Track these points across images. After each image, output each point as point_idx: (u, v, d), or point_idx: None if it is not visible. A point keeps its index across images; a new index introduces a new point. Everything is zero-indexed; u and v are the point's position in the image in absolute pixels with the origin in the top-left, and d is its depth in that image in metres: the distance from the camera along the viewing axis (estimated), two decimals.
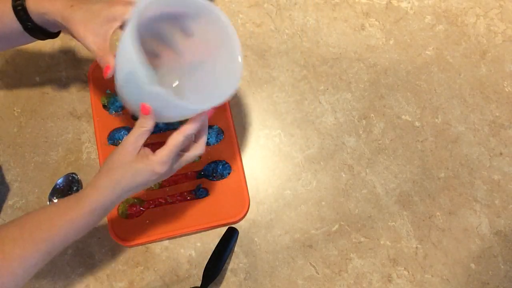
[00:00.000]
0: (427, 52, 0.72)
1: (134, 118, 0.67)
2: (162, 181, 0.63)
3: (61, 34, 0.72)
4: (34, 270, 0.47)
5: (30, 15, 0.51)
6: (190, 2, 0.49)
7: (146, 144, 0.62)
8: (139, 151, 0.48)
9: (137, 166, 0.47)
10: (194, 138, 0.51)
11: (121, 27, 0.51)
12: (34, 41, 0.56)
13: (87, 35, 0.50)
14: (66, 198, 0.48)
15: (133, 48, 0.43)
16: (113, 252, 0.61)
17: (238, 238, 0.61)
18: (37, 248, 0.46)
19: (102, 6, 0.50)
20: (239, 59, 0.50)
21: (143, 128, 0.48)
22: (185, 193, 0.63)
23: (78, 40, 0.51)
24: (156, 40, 0.56)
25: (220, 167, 0.64)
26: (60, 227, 0.46)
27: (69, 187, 0.64)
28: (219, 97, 0.48)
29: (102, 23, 0.50)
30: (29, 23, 0.52)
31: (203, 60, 0.55)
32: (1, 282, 0.44)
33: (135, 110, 0.48)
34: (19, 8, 0.51)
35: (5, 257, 0.45)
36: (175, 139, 0.48)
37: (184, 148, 0.50)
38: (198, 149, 0.51)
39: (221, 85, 0.52)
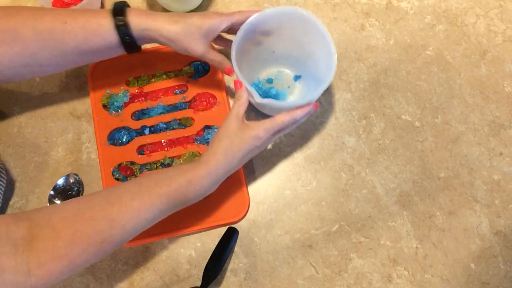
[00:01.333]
0: (427, 52, 0.72)
1: (134, 117, 0.67)
2: None
3: None
4: (142, 227, 0.50)
5: (131, 30, 0.55)
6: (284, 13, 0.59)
7: (145, 144, 0.63)
8: (242, 120, 0.55)
9: (243, 132, 0.54)
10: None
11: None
12: (120, 54, 0.59)
13: (196, 46, 0.57)
14: (184, 164, 0.54)
15: (239, 72, 0.56)
16: (113, 252, 0.61)
17: (238, 238, 0.61)
18: (152, 203, 0.49)
19: (199, 18, 0.56)
20: (334, 52, 0.58)
21: (240, 100, 0.55)
22: None
23: (184, 52, 0.58)
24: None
25: None
26: (179, 185, 0.51)
27: (69, 187, 0.64)
28: (321, 89, 0.56)
29: (207, 35, 0.57)
30: (128, 37, 0.56)
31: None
32: (112, 234, 0.47)
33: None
34: (121, 23, 0.54)
35: (121, 208, 0.48)
36: (283, 117, 0.55)
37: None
38: (291, 128, 0.59)
39: (320, 78, 0.59)
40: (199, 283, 0.58)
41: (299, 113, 0.55)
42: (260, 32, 0.61)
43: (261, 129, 0.54)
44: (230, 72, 0.61)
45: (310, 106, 0.56)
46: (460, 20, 0.74)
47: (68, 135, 0.67)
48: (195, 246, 0.62)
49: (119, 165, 0.64)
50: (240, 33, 0.57)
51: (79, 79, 0.70)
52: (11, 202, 0.63)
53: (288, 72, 0.69)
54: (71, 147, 0.66)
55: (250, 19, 0.58)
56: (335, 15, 0.74)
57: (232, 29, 0.60)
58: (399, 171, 0.66)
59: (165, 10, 0.72)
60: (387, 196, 0.65)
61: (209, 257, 0.58)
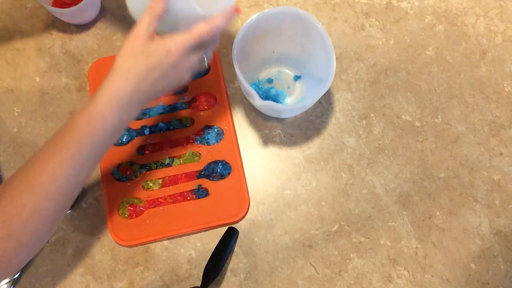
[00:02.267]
0: (427, 52, 0.72)
1: None
2: (162, 181, 0.64)
3: (61, 34, 0.72)
4: (67, 187, 0.45)
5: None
6: None
7: (145, 144, 0.62)
8: (153, 35, 0.46)
9: (150, 46, 0.45)
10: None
11: None
12: None
13: None
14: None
15: None
16: (113, 252, 0.61)
17: (238, 238, 0.61)
18: (62, 158, 0.44)
19: None
20: (333, 55, 0.56)
21: (155, 11, 0.46)
22: (185, 193, 0.63)
23: None
24: None
25: (220, 167, 0.64)
26: (79, 130, 0.44)
27: None
28: (321, 92, 0.55)
29: None
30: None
31: None
32: (39, 201, 0.44)
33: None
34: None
35: (35, 173, 0.44)
36: (200, 27, 0.46)
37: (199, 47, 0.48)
38: (212, 44, 0.50)
39: (320, 78, 0.58)
40: (199, 283, 0.58)
41: (218, 20, 0.47)
42: (260, 32, 0.61)
43: (172, 42, 0.45)
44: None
45: (231, 10, 0.48)
46: (460, 20, 0.74)
47: None
48: (195, 246, 0.62)
49: (119, 165, 0.64)
50: (240, 33, 0.57)
51: (79, 79, 0.70)
52: None
53: (288, 72, 0.69)
54: None
55: (250, 19, 0.58)
56: (335, 15, 0.74)
57: None
58: (399, 171, 0.66)
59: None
60: (387, 196, 0.65)
61: (209, 257, 0.58)
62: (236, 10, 0.49)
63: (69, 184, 0.45)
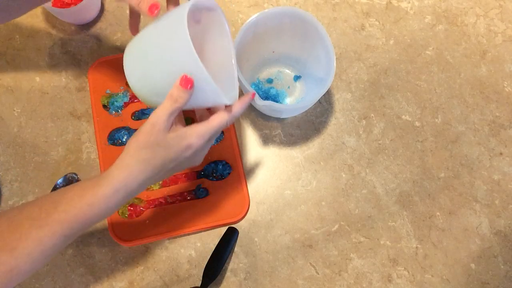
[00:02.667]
0: (427, 52, 0.72)
1: (134, 117, 0.67)
2: (162, 181, 0.63)
3: (61, 34, 0.72)
4: (52, 253, 0.43)
5: None
6: None
7: None
8: (172, 126, 0.44)
9: (169, 138, 0.43)
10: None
11: None
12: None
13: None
14: (90, 178, 0.44)
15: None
16: (113, 252, 0.61)
17: (238, 238, 0.61)
18: (53, 231, 0.42)
19: None
20: (333, 55, 0.56)
21: (177, 104, 0.42)
22: (185, 193, 0.63)
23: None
24: None
25: (220, 167, 0.64)
26: (78, 209, 0.43)
27: None
28: (321, 92, 0.55)
29: None
30: None
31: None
32: (17, 263, 0.42)
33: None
34: None
35: (21, 237, 0.42)
36: (221, 117, 0.45)
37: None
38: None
39: (320, 79, 0.58)
40: (199, 283, 0.58)
41: (238, 108, 0.46)
42: (260, 32, 0.61)
43: (194, 136, 0.44)
44: (152, 12, 0.44)
45: (248, 96, 0.48)
46: (460, 20, 0.74)
47: (68, 135, 0.67)
48: (195, 246, 0.62)
49: None
50: (240, 33, 0.57)
51: (79, 79, 0.69)
52: (10, 202, 0.63)
53: (288, 72, 0.69)
54: (71, 147, 0.66)
55: (250, 18, 0.58)
56: (335, 15, 0.74)
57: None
58: (399, 171, 0.66)
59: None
60: (387, 196, 0.65)
61: (209, 257, 0.58)
62: (253, 96, 0.50)
63: (53, 251, 0.44)
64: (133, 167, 0.43)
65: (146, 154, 0.43)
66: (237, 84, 0.49)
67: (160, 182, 0.63)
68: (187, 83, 0.41)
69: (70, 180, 0.64)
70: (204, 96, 0.44)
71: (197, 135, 0.44)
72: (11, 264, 0.42)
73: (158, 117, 0.42)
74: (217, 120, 0.45)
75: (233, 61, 0.50)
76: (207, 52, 0.52)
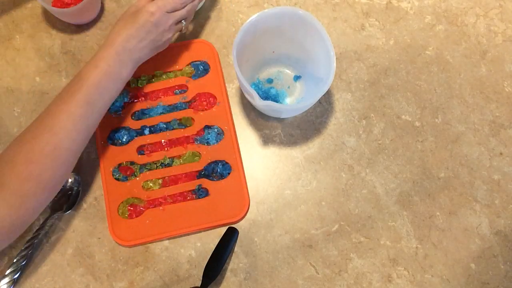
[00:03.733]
0: (427, 52, 0.72)
1: (134, 117, 0.67)
2: (162, 181, 0.64)
3: (61, 34, 0.72)
4: (82, 125, 0.53)
5: None
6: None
7: (145, 144, 0.63)
8: (137, 6, 0.59)
9: (135, 12, 0.58)
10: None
11: None
12: None
13: None
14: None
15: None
16: (113, 252, 0.61)
17: (238, 238, 0.61)
18: (76, 100, 0.53)
19: None
20: (333, 55, 0.59)
21: None
22: (185, 193, 0.63)
23: None
24: None
25: (220, 167, 0.64)
26: (87, 73, 0.54)
27: (69, 187, 0.64)
28: (320, 93, 0.57)
29: None
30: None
31: None
32: (58, 140, 0.51)
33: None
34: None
35: (55, 115, 0.52)
36: None
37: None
38: (186, 11, 0.63)
39: (320, 79, 0.62)
40: (199, 283, 0.58)
41: None
42: (260, 32, 0.61)
43: (152, 5, 0.58)
44: None
45: None
46: (460, 20, 0.74)
47: None
48: (195, 246, 0.62)
49: (119, 165, 0.64)
50: (240, 33, 0.57)
51: None
52: None
53: (288, 72, 0.69)
54: None
55: (250, 18, 0.58)
56: (335, 15, 0.74)
57: None
58: (399, 171, 0.66)
59: None
60: (387, 196, 0.65)
61: (209, 257, 0.58)
62: None
63: (83, 125, 0.54)
64: (114, 34, 0.57)
65: (121, 23, 0.58)
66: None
67: (160, 182, 0.63)
68: None
69: (70, 180, 0.64)
70: None
71: (155, 4, 0.58)
72: (54, 141, 0.51)
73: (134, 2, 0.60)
74: None
75: None
76: None
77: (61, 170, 0.52)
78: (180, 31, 0.66)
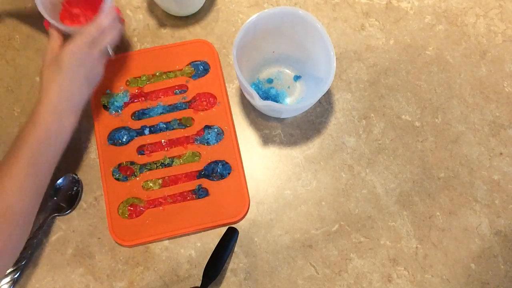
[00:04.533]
0: (427, 52, 0.72)
1: (134, 117, 0.67)
2: (162, 181, 0.64)
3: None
4: (29, 186, 0.51)
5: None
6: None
7: (145, 144, 0.63)
8: (60, 45, 0.57)
9: (56, 58, 0.55)
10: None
11: None
12: None
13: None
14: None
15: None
16: (113, 252, 0.61)
17: (238, 238, 0.61)
18: (18, 161, 0.51)
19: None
20: (333, 56, 0.58)
21: (52, 37, 0.58)
22: (185, 193, 0.63)
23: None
24: None
25: (220, 167, 0.64)
26: (28, 133, 0.52)
27: (69, 187, 0.64)
28: (320, 93, 0.57)
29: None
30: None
31: None
32: (7, 202, 0.49)
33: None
34: None
35: (1, 179, 0.50)
36: (87, 27, 0.56)
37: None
38: (108, 36, 0.59)
39: (320, 79, 0.61)
40: (199, 283, 0.58)
41: (102, 18, 0.57)
42: (260, 32, 0.61)
43: (70, 45, 0.55)
44: (45, 24, 0.61)
45: (112, 10, 0.59)
46: (460, 20, 0.74)
47: None
48: (195, 246, 0.62)
49: (119, 165, 0.64)
50: (240, 33, 0.57)
51: None
52: None
53: (288, 72, 0.69)
54: (71, 147, 0.66)
55: (250, 18, 0.58)
56: (335, 15, 0.74)
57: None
58: (399, 171, 0.66)
59: (165, 13, 0.72)
60: (387, 196, 0.65)
61: (209, 257, 0.58)
62: (118, 10, 0.61)
63: (31, 184, 0.52)
64: (44, 88, 0.54)
65: (46, 73, 0.55)
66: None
67: (160, 182, 0.63)
68: (46, 25, 0.60)
69: (70, 180, 0.64)
70: None
71: (74, 43, 0.55)
72: (4, 206, 0.49)
73: (46, 51, 0.57)
74: (85, 30, 0.56)
75: None
76: None
77: (16, 233, 0.50)
78: (110, 56, 0.64)
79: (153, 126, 0.66)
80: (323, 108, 0.69)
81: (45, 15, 0.58)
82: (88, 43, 0.56)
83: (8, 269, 0.55)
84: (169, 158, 0.64)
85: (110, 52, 0.64)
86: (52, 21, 0.58)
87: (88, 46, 0.56)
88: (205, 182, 0.63)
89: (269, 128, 0.68)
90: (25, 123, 0.53)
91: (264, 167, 0.66)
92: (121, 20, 0.64)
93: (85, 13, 0.67)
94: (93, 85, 0.60)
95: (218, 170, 0.64)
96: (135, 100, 0.68)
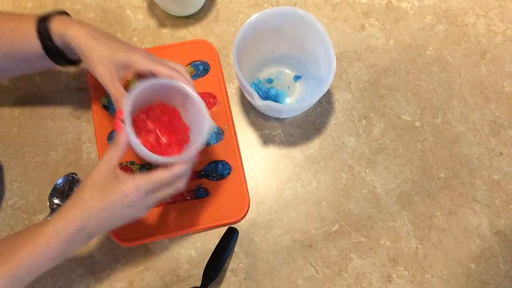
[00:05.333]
0: (427, 52, 0.72)
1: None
2: None
3: None
4: None
5: (52, 34, 0.51)
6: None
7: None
8: (114, 170, 0.46)
9: (109, 183, 0.45)
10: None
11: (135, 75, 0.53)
12: (56, 67, 0.57)
13: (101, 71, 0.51)
14: (34, 225, 0.46)
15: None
16: (113, 252, 0.61)
17: (238, 238, 0.61)
18: (7, 277, 0.43)
19: (121, 46, 0.52)
20: (333, 56, 0.57)
21: (117, 146, 0.47)
22: (185, 193, 0.63)
23: (91, 71, 0.52)
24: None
25: (220, 167, 0.64)
26: (23, 248, 0.44)
27: (69, 187, 0.64)
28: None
29: (119, 66, 0.51)
30: (49, 42, 0.52)
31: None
32: None
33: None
34: (42, 26, 0.51)
35: None
36: (161, 173, 0.47)
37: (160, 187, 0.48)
38: (174, 188, 0.50)
39: (320, 79, 0.59)
40: (199, 283, 0.58)
41: (179, 168, 0.48)
42: (260, 32, 0.61)
43: (130, 184, 0.45)
44: (117, 126, 0.48)
45: (191, 159, 0.50)
46: (460, 20, 0.74)
47: (68, 135, 0.67)
48: (195, 246, 0.62)
49: (119, 165, 0.64)
50: (240, 33, 0.57)
51: (79, 79, 0.69)
52: (10, 202, 0.63)
53: (288, 72, 0.69)
54: (71, 147, 0.66)
55: (250, 18, 0.58)
56: (335, 15, 0.74)
57: (142, 75, 0.53)
58: (399, 171, 0.66)
59: (165, 13, 0.72)
60: (387, 196, 0.65)
61: (209, 257, 0.58)
62: (196, 157, 0.52)
63: None
64: (73, 208, 0.45)
65: (86, 194, 0.45)
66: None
67: None
68: (117, 126, 0.47)
69: (70, 180, 0.64)
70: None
71: (134, 184, 0.45)
72: None
73: (102, 160, 0.47)
74: (156, 175, 0.47)
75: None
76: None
77: None
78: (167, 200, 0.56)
79: None
80: (323, 108, 0.69)
81: (128, 127, 0.46)
82: (149, 190, 0.47)
83: None
84: None
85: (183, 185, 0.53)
86: (135, 141, 0.46)
87: (149, 193, 0.47)
88: (205, 182, 0.63)
89: (269, 128, 0.68)
90: (27, 229, 0.46)
91: (264, 167, 0.66)
92: (196, 158, 0.53)
93: (156, 131, 0.54)
94: (119, 226, 0.49)
95: (218, 170, 0.64)
96: None
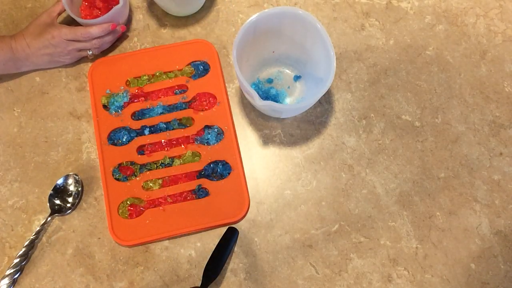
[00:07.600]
0: (427, 52, 0.72)
1: (134, 117, 0.67)
2: (162, 181, 0.64)
3: None
4: None
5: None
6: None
7: (145, 144, 0.62)
8: (53, 18, 0.66)
9: (45, 27, 0.65)
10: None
11: None
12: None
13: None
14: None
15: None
16: (113, 252, 0.61)
17: (238, 238, 0.61)
18: None
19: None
20: (333, 56, 0.59)
21: (58, 3, 0.67)
22: (185, 193, 0.63)
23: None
24: None
25: (220, 167, 0.64)
26: None
27: (69, 187, 0.64)
28: (320, 93, 0.57)
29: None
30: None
31: None
32: None
33: None
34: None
35: None
36: (79, 29, 0.65)
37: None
38: (91, 44, 0.67)
39: (320, 79, 0.62)
40: (199, 283, 0.58)
41: (94, 29, 0.65)
42: (260, 32, 0.61)
43: (57, 30, 0.64)
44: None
45: (107, 25, 0.66)
46: (460, 20, 0.74)
47: (68, 135, 0.67)
48: (195, 246, 0.62)
49: (119, 165, 0.64)
50: (240, 33, 0.58)
51: (79, 79, 0.70)
52: (10, 202, 0.63)
53: (288, 72, 0.69)
54: (71, 147, 0.66)
55: (250, 18, 0.58)
56: (335, 15, 0.74)
57: None
58: (399, 171, 0.66)
59: (165, 13, 0.72)
60: (387, 196, 0.65)
61: (209, 257, 0.58)
62: (113, 26, 0.67)
63: None
64: (27, 32, 0.65)
65: (30, 28, 0.65)
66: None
67: (160, 182, 0.63)
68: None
69: (70, 180, 0.64)
70: None
71: (60, 30, 0.64)
72: None
73: (48, 9, 0.67)
74: (77, 29, 0.65)
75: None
76: None
77: None
78: (87, 57, 0.70)
79: (153, 126, 0.66)
80: (323, 108, 0.69)
81: None
82: (68, 38, 0.65)
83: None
84: (169, 158, 0.64)
85: (90, 53, 0.68)
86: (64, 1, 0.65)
87: (69, 41, 0.65)
88: (205, 182, 0.63)
89: (269, 128, 0.68)
90: None
91: (264, 167, 0.66)
92: (121, 28, 0.70)
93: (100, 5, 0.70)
94: (56, 64, 0.69)
95: (218, 170, 0.64)
96: (135, 100, 0.68)
